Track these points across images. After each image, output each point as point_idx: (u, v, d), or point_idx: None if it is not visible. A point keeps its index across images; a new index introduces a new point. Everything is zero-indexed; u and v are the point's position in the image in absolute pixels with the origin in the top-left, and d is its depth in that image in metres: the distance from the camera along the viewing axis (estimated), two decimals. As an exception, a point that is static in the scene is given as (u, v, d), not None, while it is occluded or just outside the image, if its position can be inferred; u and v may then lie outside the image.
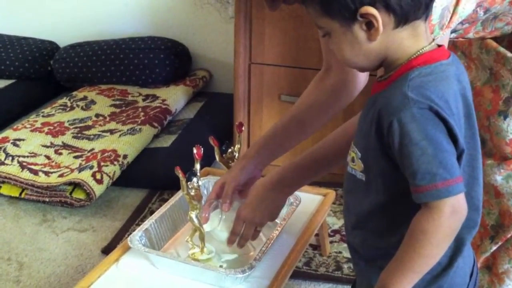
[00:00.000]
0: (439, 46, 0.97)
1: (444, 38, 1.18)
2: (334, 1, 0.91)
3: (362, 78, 1.38)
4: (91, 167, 2.20)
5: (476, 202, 1.00)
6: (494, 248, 1.41)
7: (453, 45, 1.51)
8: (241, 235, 1.42)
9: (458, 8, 1.16)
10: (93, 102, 2.83)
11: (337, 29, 0.94)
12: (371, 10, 0.89)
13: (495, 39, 1.39)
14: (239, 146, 1.59)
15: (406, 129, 0.88)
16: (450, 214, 0.88)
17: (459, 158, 0.91)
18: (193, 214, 1.42)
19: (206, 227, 1.47)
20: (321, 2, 0.93)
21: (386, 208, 0.97)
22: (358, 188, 1.01)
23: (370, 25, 0.91)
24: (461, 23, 1.28)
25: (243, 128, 1.59)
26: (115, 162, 2.27)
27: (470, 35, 1.36)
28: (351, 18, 0.91)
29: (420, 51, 0.94)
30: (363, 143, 0.98)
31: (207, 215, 1.46)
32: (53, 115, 2.71)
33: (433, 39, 0.98)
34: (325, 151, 1.33)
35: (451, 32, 1.29)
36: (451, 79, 0.93)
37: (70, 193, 2.15)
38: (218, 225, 1.48)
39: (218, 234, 1.50)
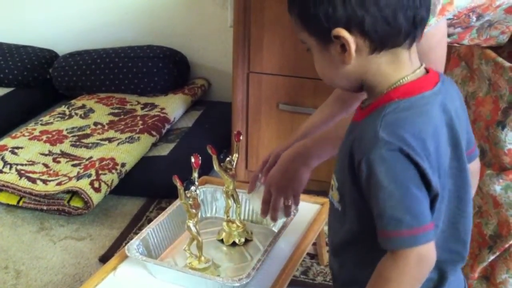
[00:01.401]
0: (427, 71, 0.91)
1: (438, 25, 1.15)
2: (311, 17, 0.88)
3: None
4: (89, 176, 2.20)
5: (462, 236, 0.96)
6: (492, 258, 1.41)
7: (458, 55, 1.52)
8: (271, 206, 1.43)
9: None
10: (91, 110, 2.83)
11: (315, 46, 0.91)
12: (343, 32, 0.84)
13: (495, 50, 1.39)
14: (237, 155, 1.59)
15: (374, 171, 0.83)
16: (415, 264, 0.83)
17: (433, 201, 0.86)
18: (190, 223, 1.42)
19: (251, 196, 1.51)
20: (300, 16, 0.90)
21: (360, 240, 0.93)
22: (336, 216, 0.98)
23: (344, 48, 0.86)
24: (453, 26, 1.28)
25: (241, 137, 1.60)
26: (113, 171, 2.27)
27: (465, 41, 1.36)
28: (326, 38, 0.87)
29: (401, 80, 0.88)
30: (340, 173, 0.94)
31: (257, 183, 1.49)
32: (51, 123, 2.71)
33: (421, 65, 0.92)
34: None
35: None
36: (434, 112, 0.88)
37: (68, 201, 2.15)
38: (254, 195, 1.51)
39: (254, 204, 1.53)
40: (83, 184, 2.15)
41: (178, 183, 1.36)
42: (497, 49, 1.39)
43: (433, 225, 0.84)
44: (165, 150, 2.55)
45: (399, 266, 0.83)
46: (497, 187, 1.36)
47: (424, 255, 0.84)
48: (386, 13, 0.83)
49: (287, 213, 1.50)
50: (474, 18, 1.26)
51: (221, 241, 1.61)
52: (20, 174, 2.28)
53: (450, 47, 1.48)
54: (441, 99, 0.89)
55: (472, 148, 1.01)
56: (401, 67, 0.89)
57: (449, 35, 1.31)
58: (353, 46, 0.85)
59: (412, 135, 0.83)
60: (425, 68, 0.92)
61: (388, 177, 0.82)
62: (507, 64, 1.32)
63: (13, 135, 2.61)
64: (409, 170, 0.83)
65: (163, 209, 1.82)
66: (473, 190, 1.06)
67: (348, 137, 0.92)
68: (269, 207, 1.44)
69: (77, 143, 2.51)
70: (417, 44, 0.90)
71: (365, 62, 0.88)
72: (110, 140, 2.52)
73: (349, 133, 0.92)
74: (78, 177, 2.21)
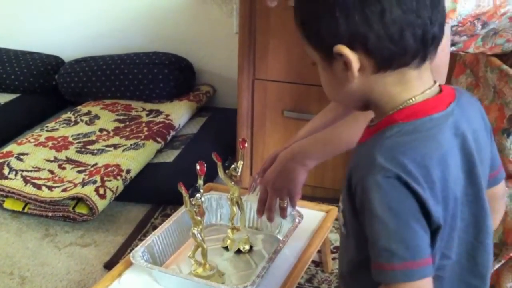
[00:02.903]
0: (441, 90, 0.85)
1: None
2: (314, 32, 0.83)
3: None
4: (94, 182, 2.21)
5: (481, 270, 0.89)
6: (498, 266, 1.40)
7: (463, 63, 1.52)
8: (266, 206, 1.43)
9: (457, 5, 1.16)
10: (97, 116, 2.84)
11: (319, 61, 0.86)
12: (345, 50, 0.79)
13: (500, 57, 1.39)
14: (242, 162, 1.59)
15: (368, 198, 0.77)
16: None
17: (435, 233, 0.80)
18: (195, 230, 1.42)
19: (247, 197, 1.52)
20: (303, 30, 0.86)
21: (362, 267, 0.86)
22: (342, 240, 0.95)
23: (347, 65, 0.81)
24: (459, 34, 1.28)
25: (246, 144, 1.60)
26: (118, 177, 2.27)
27: (471, 49, 1.36)
28: (330, 54, 0.82)
29: (408, 101, 0.82)
30: (343, 197, 0.88)
31: (253, 184, 1.50)
32: (57, 129, 2.72)
33: (434, 83, 0.85)
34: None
35: (451, 45, 1.29)
36: (442, 136, 0.81)
37: (73, 208, 2.15)
38: (252, 197, 1.52)
39: (253, 205, 1.54)
40: (88, 191, 2.15)
41: (183, 190, 1.36)
42: (502, 57, 1.39)
43: (431, 260, 0.79)
44: (170, 156, 2.55)
45: None
46: None
47: None
48: (391, 31, 0.78)
49: (283, 215, 1.49)
50: (480, 26, 1.26)
51: (226, 248, 1.61)
52: (26, 180, 2.28)
53: (455, 55, 1.48)
54: (453, 121, 0.83)
55: (497, 170, 0.96)
56: (409, 87, 0.83)
57: (454, 44, 1.31)
58: (355, 65, 0.80)
59: (413, 162, 0.77)
60: (440, 86, 0.86)
61: (382, 205, 0.77)
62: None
63: (19, 141, 2.62)
64: (406, 199, 0.77)
65: (168, 216, 1.82)
66: (499, 215, 1.02)
67: (351, 160, 0.86)
68: (264, 207, 1.45)
69: (83, 150, 2.52)
70: (432, 62, 0.84)
71: (369, 81, 0.82)
72: (115, 146, 2.52)
73: (352, 156, 0.87)
74: (83, 184, 2.21)
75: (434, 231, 0.79)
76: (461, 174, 0.83)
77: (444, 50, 1.17)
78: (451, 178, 0.81)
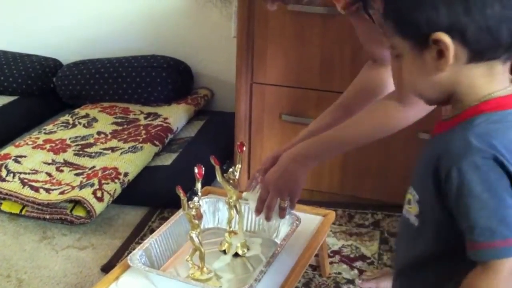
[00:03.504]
0: None
1: None
2: (409, 21, 0.86)
3: None
4: (92, 185, 2.21)
5: None
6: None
7: None
8: (266, 205, 1.44)
9: None
10: (95, 119, 2.84)
11: (408, 51, 0.89)
12: (444, 37, 0.83)
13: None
14: (240, 165, 1.59)
15: (466, 179, 0.81)
16: (508, 277, 0.81)
17: None
18: (193, 234, 1.42)
19: (246, 195, 1.54)
20: (397, 19, 0.89)
21: (436, 260, 0.90)
22: (409, 233, 0.95)
23: (441, 54, 0.84)
24: None
25: (244, 148, 1.60)
26: (116, 180, 2.27)
27: None
28: (423, 42, 0.85)
29: (492, 94, 0.87)
30: (421, 186, 0.92)
31: (253, 183, 1.51)
32: (55, 132, 2.72)
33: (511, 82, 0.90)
34: (349, 130, 1.36)
35: None
36: None
37: (71, 211, 2.15)
38: (250, 195, 1.53)
39: (250, 204, 1.54)
40: (86, 194, 2.15)
41: (181, 194, 1.37)
42: None
43: None
44: (167, 160, 2.55)
45: (489, 278, 0.81)
46: None
47: None
48: (490, 23, 0.82)
49: (282, 215, 1.50)
50: None
51: (224, 252, 1.61)
52: (23, 182, 2.28)
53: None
54: None
55: None
56: (494, 81, 0.87)
57: None
58: (452, 52, 0.83)
59: (504, 146, 0.82)
60: None
61: (482, 185, 0.81)
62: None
63: (17, 143, 2.61)
64: (503, 179, 0.81)
65: (166, 219, 1.82)
66: None
67: (429, 150, 0.90)
68: (263, 206, 1.45)
69: (80, 152, 2.52)
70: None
71: (459, 71, 0.86)
72: (113, 149, 2.52)
73: (431, 147, 0.91)
74: (81, 186, 2.21)
75: None
76: None
77: None
78: None
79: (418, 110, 1.32)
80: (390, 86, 1.40)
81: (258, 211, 1.48)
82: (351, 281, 1.85)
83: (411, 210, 0.94)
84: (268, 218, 1.48)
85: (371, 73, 1.51)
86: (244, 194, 1.57)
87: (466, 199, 0.82)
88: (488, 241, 0.81)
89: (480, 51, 0.84)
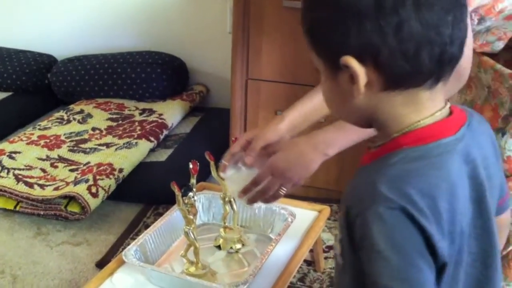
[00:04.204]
0: (451, 112, 0.77)
1: None
2: (321, 39, 0.75)
3: None
4: (87, 181, 2.20)
5: None
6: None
7: None
8: (262, 189, 1.33)
9: None
10: (89, 115, 2.83)
11: (323, 70, 0.77)
12: (352, 62, 0.71)
13: (491, 57, 1.40)
14: (235, 161, 1.59)
15: (369, 231, 0.69)
16: None
17: (441, 270, 0.72)
18: (188, 229, 1.42)
19: (223, 175, 1.42)
20: (310, 35, 0.76)
21: None
22: (338, 271, 0.84)
23: (353, 79, 0.72)
24: None
25: (239, 144, 1.59)
26: (111, 176, 2.27)
27: None
28: (335, 64, 0.73)
29: (416, 124, 0.74)
30: (340, 225, 0.79)
31: (227, 163, 1.38)
32: (49, 128, 2.71)
33: (445, 103, 0.77)
34: None
35: None
36: (451, 163, 0.74)
37: (65, 206, 2.15)
38: (233, 176, 1.42)
39: (229, 185, 1.48)
40: (81, 189, 2.15)
41: (176, 189, 1.36)
42: (492, 57, 1.40)
43: None
44: (162, 156, 2.55)
45: None
46: None
47: None
48: (406, 46, 0.69)
49: (271, 201, 1.39)
50: (476, 20, 1.25)
51: (218, 247, 1.61)
52: (18, 178, 2.27)
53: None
54: (463, 147, 0.75)
55: (504, 197, 0.88)
56: (419, 109, 0.74)
57: None
58: (362, 80, 0.71)
59: (420, 192, 0.69)
60: (450, 108, 0.78)
61: (385, 240, 0.69)
62: (506, 71, 1.32)
63: (11, 139, 2.61)
64: (411, 234, 0.69)
65: (161, 214, 1.82)
66: (501, 244, 0.92)
67: (350, 184, 0.77)
68: (254, 188, 1.34)
69: (75, 148, 2.51)
70: (446, 83, 0.76)
71: (376, 99, 0.74)
72: (108, 145, 2.52)
73: (352, 180, 0.78)
74: (76, 182, 2.21)
75: (439, 267, 0.72)
76: (469, 204, 0.76)
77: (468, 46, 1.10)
78: (458, 210, 0.73)
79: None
80: None
81: (245, 193, 1.35)
82: (346, 277, 1.85)
83: (336, 247, 0.82)
84: (253, 201, 1.37)
85: None
86: (223, 174, 1.43)
87: (369, 253, 0.70)
88: None
89: (397, 78, 0.71)
